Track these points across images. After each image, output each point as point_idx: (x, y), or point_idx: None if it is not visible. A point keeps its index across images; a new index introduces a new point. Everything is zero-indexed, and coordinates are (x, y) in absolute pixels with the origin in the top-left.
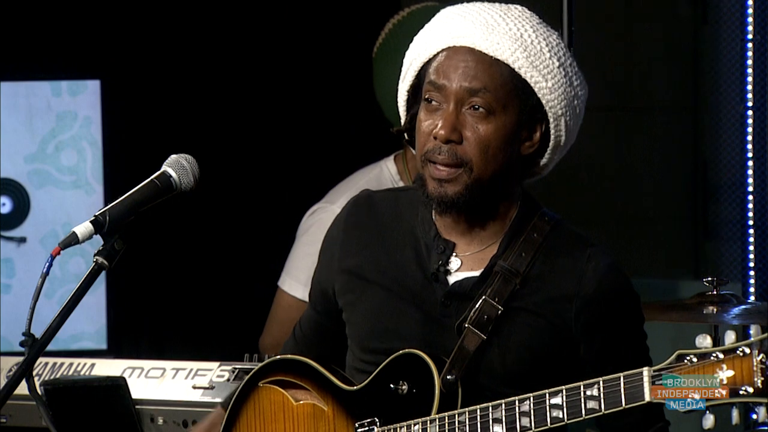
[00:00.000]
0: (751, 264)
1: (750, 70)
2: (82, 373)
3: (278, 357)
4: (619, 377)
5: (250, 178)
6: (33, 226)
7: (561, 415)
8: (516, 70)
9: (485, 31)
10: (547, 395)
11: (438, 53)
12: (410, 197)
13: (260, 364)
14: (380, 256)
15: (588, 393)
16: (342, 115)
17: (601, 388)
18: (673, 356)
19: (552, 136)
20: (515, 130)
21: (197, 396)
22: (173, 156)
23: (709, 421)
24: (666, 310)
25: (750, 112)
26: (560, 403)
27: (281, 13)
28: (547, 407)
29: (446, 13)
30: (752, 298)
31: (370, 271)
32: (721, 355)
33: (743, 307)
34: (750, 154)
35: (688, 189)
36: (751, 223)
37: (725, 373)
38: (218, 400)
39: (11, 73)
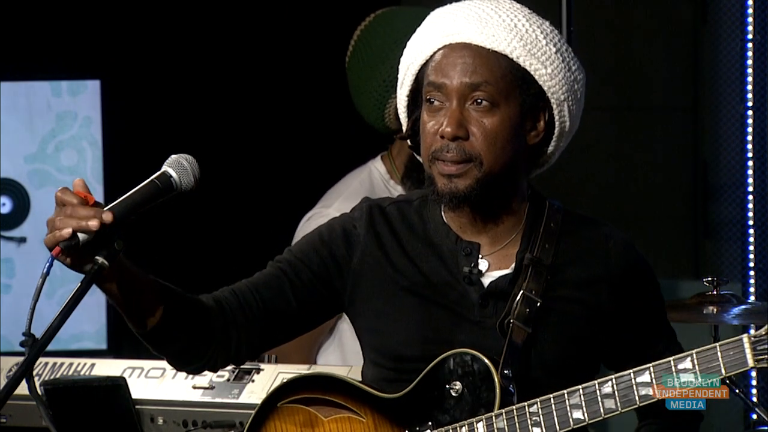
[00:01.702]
0: (751, 264)
1: (750, 70)
2: (82, 373)
3: (298, 375)
4: (716, 347)
5: (251, 178)
6: (33, 226)
7: (650, 392)
8: (514, 59)
9: (479, 25)
10: (632, 374)
11: (434, 54)
12: (415, 207)
13: (277, 385)
14: (406, 266)
15: (681, 366)
16: (342, 115)
17: (695, 360)
18: None
19: (557, 123)
20: (520, 121)
21: (197, 396)
22: (173, 156)
23: None
24: (666, 310)
25: (750, 112)
26: (649, 381)
27: (280, 14)
28: (634, 386)
29: (437, 14)
30: (752, 298)
31: (400, 281)
32: None
33: (743, 307)
34: (750, 154)
35: (688, 189)
36: (751, 223)
37: None
38: (218, 400)
39: (11, 73)
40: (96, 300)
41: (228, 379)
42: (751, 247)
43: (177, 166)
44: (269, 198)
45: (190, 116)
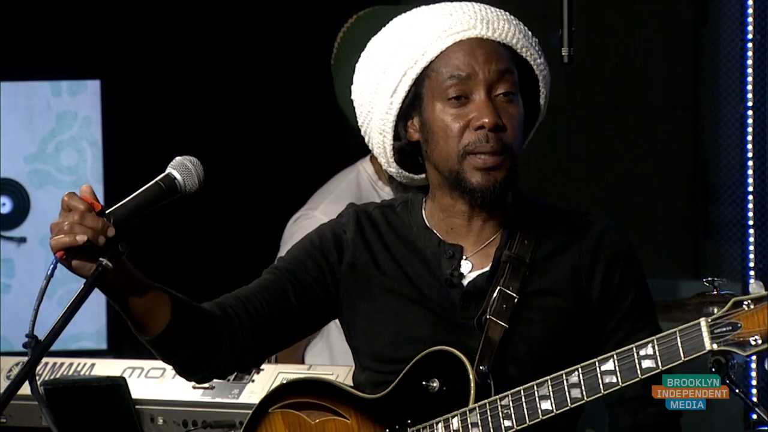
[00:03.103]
0: (751, 264)
1: (750, 70)
2: (82, 373)
3: (286, 382)
4: (675, 332)
5: (253, 178)
6: (33, 226)
7: (615, 380)
8: (518, 50)
9: (483, 19)
10: (597, 363)
11: (441, 54)
12: (398, 212)
13: (268, 391)
14: (392, 269)
15: (642, 353)
16: (339, 116)
17: (656, 346)
18: (730, 303)
19: (541, 113)
20: (524, 112)
21: (197, 396)
22: (178, 158)
23: None
24: (666, 310)
25: (750, 112)
26: (613, 369)
27: (277, 15)
28: (599, 374)
29: (427, 17)
30: None
31: (386, 284)
32: None
33: None
34: (750, 154)
35: (688, 189)
36: (751, 223)
37: None
38: (218, 400)
39: (11, 73)
40: (96, 300)
41: (228, 379)
42: (751, 247)
43: (181, 169)
44: (270, 198)
45: (190, 116)
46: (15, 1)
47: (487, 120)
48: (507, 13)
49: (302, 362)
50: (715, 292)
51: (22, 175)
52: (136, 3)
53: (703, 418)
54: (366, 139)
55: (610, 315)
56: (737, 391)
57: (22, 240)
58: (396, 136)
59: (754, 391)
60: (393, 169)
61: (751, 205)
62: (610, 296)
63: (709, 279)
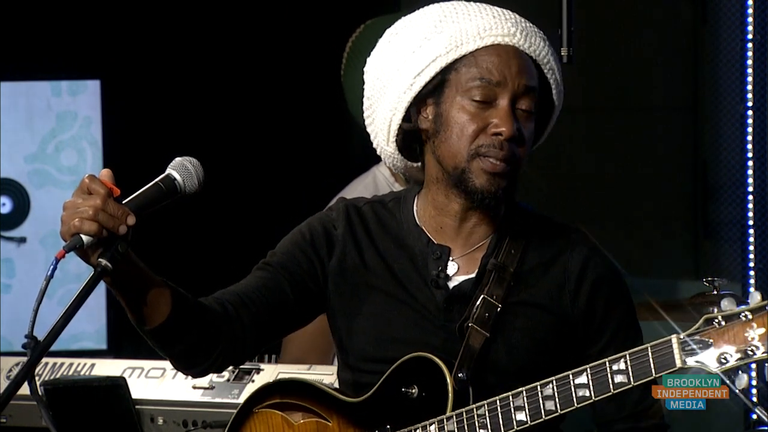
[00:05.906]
0: (751, 264)
1: (750, 70)
2: (82, 373)
3: (272, 381)
4: (647, 348)
5: (252, 178)
6: (33, 226)
7: (588, 394)
8: (544, 71)
9: (523, 31)
10: (571, 376)
11: (476, 51)
12: (389, 209)
13: (254, 390)
14: (378, 266)
15: (615, 367)
16: (345, 116)
17: (629, 362)
18: (701, 321)
19: (543, 136)
20: (533, 131)
21: (197, 396)
22: (177, 159)
23: (743, 380)
24: (666, 310)
25: (750, 112)
26: (585, 382)
27: (281, 14)
28: (572, 387)
29: (469, 12)
30: None
31: (372, 281)
32: (750, 315)
33: (743, 306)
34: (750, 154)
35: (688, 189)
36: (751, 223)
37: (756, 331)
38: (218, 400)
39: (11, 73)
40: (96, 300)
41: (228, 379)
42: (751, 247)
43: (181, 169)
44: (271, 198)
45: (190, 116)
46: (15, 1)
47: (506, 129)
48: (542, 32)
49: (332, 364)
50: (715, 292)
51: (22, 175)
52: (136, 3)
53: (703, 418)
54: (367, 116)
55: (598, 336)
56: (737, 391)
57: (22, 240)
58: (406, 118)
59: (754, 391)
60: (390, 149)
61: (751, 205)
62: (596, 317)
63: (709, 279)
